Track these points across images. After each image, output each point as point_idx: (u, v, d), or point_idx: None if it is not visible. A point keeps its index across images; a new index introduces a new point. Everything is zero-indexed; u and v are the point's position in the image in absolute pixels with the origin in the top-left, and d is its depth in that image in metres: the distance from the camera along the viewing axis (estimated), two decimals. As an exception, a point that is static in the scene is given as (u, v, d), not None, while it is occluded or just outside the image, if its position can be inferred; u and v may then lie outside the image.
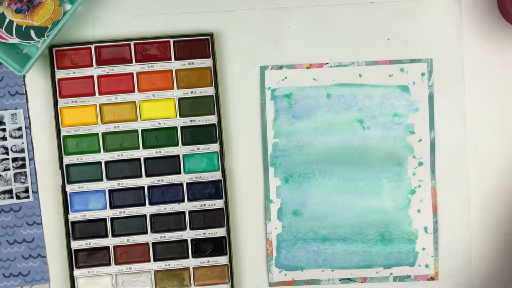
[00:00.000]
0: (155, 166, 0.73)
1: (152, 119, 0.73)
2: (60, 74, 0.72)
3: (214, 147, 0.73)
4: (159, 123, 0.73)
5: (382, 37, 0.74)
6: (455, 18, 0.75)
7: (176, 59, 0.73)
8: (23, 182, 0.74)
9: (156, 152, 0.73)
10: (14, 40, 0.70)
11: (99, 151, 0.73)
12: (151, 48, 0.73)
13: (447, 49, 0.74)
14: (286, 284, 0.75)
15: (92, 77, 0.73)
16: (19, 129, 0.74)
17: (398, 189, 0.75)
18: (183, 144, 0.73)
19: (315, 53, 0.74)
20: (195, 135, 0.73)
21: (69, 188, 0.73)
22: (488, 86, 0.75)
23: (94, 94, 0.73)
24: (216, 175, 0.73)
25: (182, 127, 0.73)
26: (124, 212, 0.73)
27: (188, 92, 0.73)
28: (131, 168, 0.73)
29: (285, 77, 0.74)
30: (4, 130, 0.74)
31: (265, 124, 0.74)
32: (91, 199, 0.73)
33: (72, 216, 0.73)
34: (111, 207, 0.73)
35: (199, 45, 0.73)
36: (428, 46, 0.74)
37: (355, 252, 0.75)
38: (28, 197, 0.74)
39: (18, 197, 0.74)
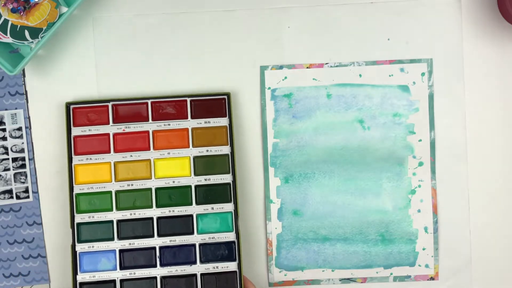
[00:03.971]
0: (168, 225, 0.71)
1: (166, 177, 0.72)
2: (76, 131, 0.72)
3: (228, 207, 0.72)
4: (173, 182, 0.72)
5: (382, 37, 0.74)
6: (455, 18, 0.75)
7: (192, 117, 0.72)
8: (23, 182, 0.74)
9: (169, 211, 0.71)
10: (8, 39, 0.69)
11: (111, 210, 0.71)
12: (167, 107, 0.72)
13: (447, 49, 0.74)
14: (286, 284, 0.75)
15: (108, 134, 0.72)
16: (19, 129, 0.74)
17: (398, 189, 0.75)
18: (197, 203, 0.72)
19: (315, 53, 0.74)
20: (209, 194, 0.72)
21: (79, 247, 0.71)
22: (488, 86, 0.75)
23: (109, 151, 0.72)
24: (230, 236, 0.71)
25: (196, 186, 0.72)
26: (134, 273, 0.71)
27: (203, 151, 0.72)
28: (143, 227, 0.71)
29: (285, 77, 0.74)
30: (4, 130, 0.74)
31: (265, 124, 0.74)
32: (101, 259, 0.71)
33: (81, 277, 0.71)
34: (121, 268, 0.71)
35: (215, 105, 0.72)
36: (428, 46, 0.74)
37: (355, 252, 0.75)
38: (28, 197, 0.74)
39: (18, 197, 0.74)
